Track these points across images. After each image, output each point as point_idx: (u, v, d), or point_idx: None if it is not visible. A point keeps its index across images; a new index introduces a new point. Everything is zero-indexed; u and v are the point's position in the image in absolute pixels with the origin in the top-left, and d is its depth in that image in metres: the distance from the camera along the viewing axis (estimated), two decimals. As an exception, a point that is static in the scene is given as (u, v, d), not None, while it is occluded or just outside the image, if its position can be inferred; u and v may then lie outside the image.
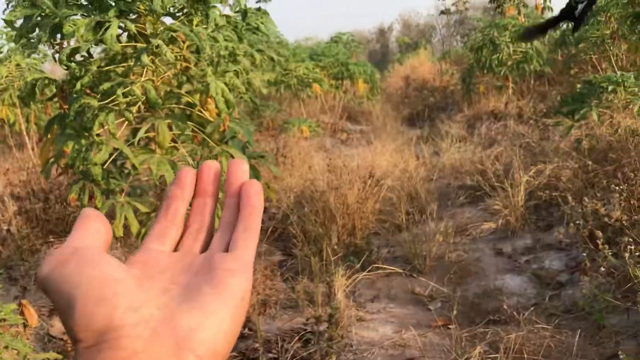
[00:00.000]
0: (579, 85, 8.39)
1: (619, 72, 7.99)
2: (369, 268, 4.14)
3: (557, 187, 5.17)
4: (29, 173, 8.19)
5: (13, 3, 2.86)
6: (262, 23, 2.85)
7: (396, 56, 36.66)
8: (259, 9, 2.87)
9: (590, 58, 9.77)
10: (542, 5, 13.38)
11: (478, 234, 5.29)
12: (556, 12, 9.79)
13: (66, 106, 2.78)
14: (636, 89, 5.62)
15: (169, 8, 2.43)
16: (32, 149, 8.19)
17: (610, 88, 5.68)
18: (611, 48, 9.23)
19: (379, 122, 13.86)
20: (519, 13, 13.64)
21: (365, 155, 8.35)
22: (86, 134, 2.54)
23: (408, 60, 25.21)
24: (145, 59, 2.31)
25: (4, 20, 2.69)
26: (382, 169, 7.50)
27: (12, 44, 7.03)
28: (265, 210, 6.40)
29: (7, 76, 6.82)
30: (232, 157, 2.69)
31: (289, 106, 14.95)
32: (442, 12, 25.33)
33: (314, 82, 10.57)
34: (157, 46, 2.27)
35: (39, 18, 2.61)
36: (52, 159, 2.76)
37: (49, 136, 3.15)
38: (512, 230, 5.11)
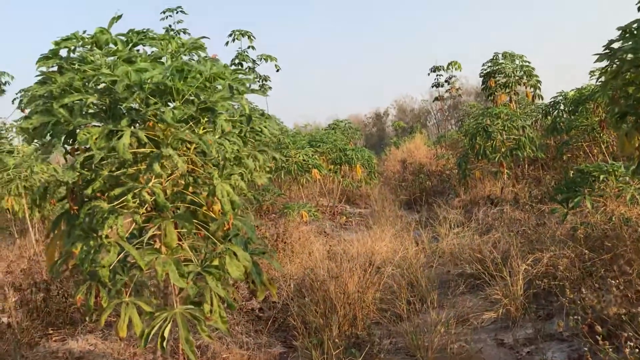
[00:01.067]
0: (571, 172, 8.60)
1: (610, 160, 8.21)
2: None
3: (555, 276, 5.21)
4: (29, 262, 8.21)
5: (28, 110, 3.02)
6: (265, 127, 3.00)
7: (392, 139, 37.43)
8: (262, 114, 3.04)
9: (582, 145, 10.06)
10: (533, 94, 13.90)
11: (479, 323, 5.27)
12: (546, 100, 10.01)
13: (75, 207, 2.88)
14: (627, 178, 5.77)
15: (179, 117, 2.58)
16: (34, 236, 8.24)
17: (601, 177, 5.83)
18: (601, 135, 9.53)
19: (377, 206, 13.96)
20: (510, 100, 14.13)
21: (365, 240, 8.37)
22: (94, 235, 2.62)
23: (404, 144, 25.75)
24: (157, 167, 2.43)
25: (21, 127, 2.84)
26: (382, 255, 7.54)
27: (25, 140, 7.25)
28: (265, 299, 6.38)
29: (14, 167, 6.98)
30: (235, 254, 2.76)
31: (288, 189, 15.16)
32: (436, 99, 26.11)
33: (313, 168, 10.78)
34: (169, 155, 2.41)
35: (52, 125, 2.77)
36: (60, 259, 2.82)
37: (55, 232, 3.24)
38: (512, 320, 5.09)
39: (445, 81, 25.42)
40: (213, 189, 2.59)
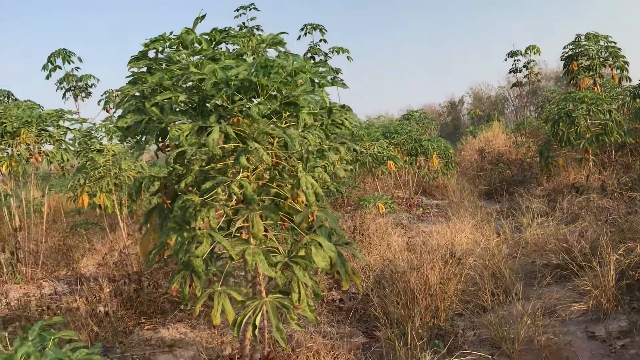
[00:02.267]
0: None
1: None
2: (457, 354, 4.04)
3: (650, 267, 4.96)
4: (121, 255, 8.66)
5: (120, 110, 3.18)
6: (346, 119, 3.03)
7: (468, 128, 36.58)
8: (343, 106, 3.06)
9: (676, 128, 9.47)
10: (619, 76, 13.19)
11: (567, 315, 5.09)
12: (634, 81, 9.55)
13: (168, 201, 3.01)
14: None
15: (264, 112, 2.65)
16: (124, 231, 8.67)
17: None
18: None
19: (455, 197, 13.72)
20: (595, 84, 13.48)
21: (444, 232, 8.26)
22: (187, 227, 2.74)
23: (481, 132, 25.08)
24: (244, 160, 2.51)
25: (116, 127, 3.00)
26: (463, 247, 7.42)
27: (111, 139, 7.63)
28: (345, 290, 6.44)
29: (104, 165, 7.35)
30: (321, 245, 2.81)
31: (362, 182, 15.16)
32: (514, 85, 25.33)
33: (388, 160, 10.73)
34: (255, 149, 2.48)
35: (145, 123, 2.91)
36: (154, 250, 2.97)
37: (148, 226, 3.40)
38: (604, 312, 4.89)
39: (524, 66, 24.63)
40: (297, 182, 2.64)
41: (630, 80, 13.38)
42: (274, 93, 2.76)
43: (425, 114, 18.54)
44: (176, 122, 2.73)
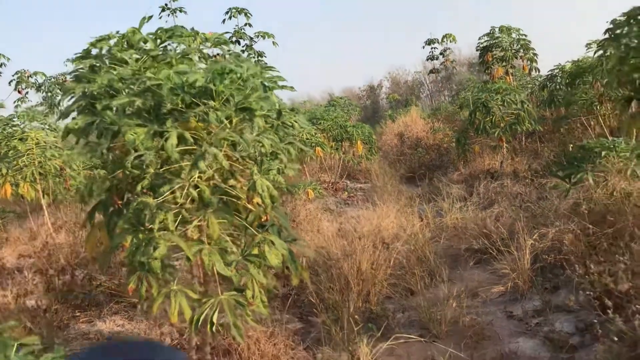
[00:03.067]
0: (571, 147, 8.81)
1: (607, 134, 8.41)
2: (392, 338, 4.32)
3: (560, 250, 5.45)
4: (46, 245, 8.38)
5: (69, 106, 3.17)
6: (295, 121, 3.17)
7: (387, 112, 37.49)
8: (292, 109, 3.20)
9: (579, 118, 10.26)
10: (529, 67, 14.04)
11: (488, 297, 5.52)
12: (543, 72, 10.18)
13: (120, 202, 3.06)
14: (627, 154, 5.98)
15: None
16: (48, 220, 8.40)
17: (603, 153, 6.04)
18: (599, 109, 9.72)
19: (378, 181, 14.19)
20: (507, 73, 14.28)
21: (371, 217, 8.57)
22: (142, 228, 2.81)
23: (400, 117, 25.82)
24: (203, 165, 2.60)
25: (68, 127, 3.00)
26: (389, 232, 7.75)
27: (33, 124, 7.37)
28: (279, 277, 6.62)
29: (27, 154, 7.11)
30: (273, 243, 2.96)
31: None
32: (431, 72, 26.24)
33: (316, 146, 10.94)
34: (214, 154, 2.58)
35: (97, 124, 2.93)
36: (107, 251, 3.01)
37: (93, 223, 3.42)
38: (520, 293, 5.34)
39: (440, 54, 25.53)
40: (253, 184, 2.77)
41: (539, 71, 14.28)
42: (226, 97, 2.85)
43: (350, 101, 18.89)
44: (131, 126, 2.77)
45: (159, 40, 3.44)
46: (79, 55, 3.39)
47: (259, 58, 18.88)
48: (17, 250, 9.83)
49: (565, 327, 4.51)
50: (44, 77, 21.32)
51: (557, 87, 11.40)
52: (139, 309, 5.59)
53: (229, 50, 3.79)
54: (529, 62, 13.82)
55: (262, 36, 16.18)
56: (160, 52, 3.38)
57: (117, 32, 3.42)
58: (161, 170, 2.75)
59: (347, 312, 5.23)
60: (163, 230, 2.66)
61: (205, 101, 2.75)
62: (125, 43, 3.44)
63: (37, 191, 7.20)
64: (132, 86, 2.84)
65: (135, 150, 2.72)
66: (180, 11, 16.10)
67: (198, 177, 2.83)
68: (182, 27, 3.66)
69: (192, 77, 2.68)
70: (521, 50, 13.73)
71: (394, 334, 4.91)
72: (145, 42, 3.43)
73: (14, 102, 20.89)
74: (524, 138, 12.56)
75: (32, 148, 7.21)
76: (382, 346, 4.23)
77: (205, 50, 3.76)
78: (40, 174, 7.10)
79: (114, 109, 2.89)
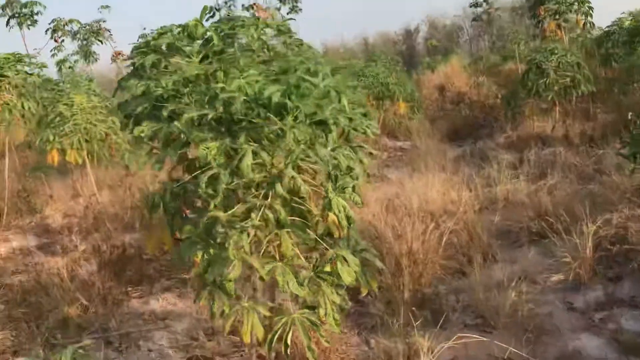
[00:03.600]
0: (630, 114, 8.37)
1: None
2: (454, 338, 4.21)
3: (625, 239, 5.22)
4: (90, 208, 8.46)
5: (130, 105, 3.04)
6: (367, 127, 2.99)
7: (425, 59, 36.56)
8: (365, 114, 3.00)
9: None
10: (584, 21, 13.33)
11: (546, 283, 5.36)
12: (598, 26, 9.70)
13: (187, 210, 2.96)
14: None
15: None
16: (93, 181, 8.44)
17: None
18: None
19: (419, 140, 13.89)
20: (559, 28, 13.60)
21: (416, 185, 8.37)
22: (212, 242, 2.71)
23: (440, 66, 25.07)
24: (280, 188, 2.46)
25: (134, 136, 2.87)
26: (437, 204, 7.57)
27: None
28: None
29: (74, 121, 7.06)
30: (346, 259, 2.83)
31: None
32: (474, 20, 25.28)
33: (358, 108, 10.67)
34: (293, 177, 2.43)
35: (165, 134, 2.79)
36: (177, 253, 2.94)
37: (154, 223, 3.33)
38: (581, 282, 5.15)
39: (484, 0, 24.51)
40: (329, 203, 2.62)
41: (593, 26, 13.56)
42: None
43: (393, 57, 18.34)
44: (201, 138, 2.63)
45: (222, 33, 3.25)
46: (139, 49, 3.24)
47: (295, 4, 18.46)
48: (62, 209, 10.00)
49: (633, 326, 4.35)
50: (78, 25, 21.23)
51: (614, 45, 10.82)
52: (190, 286, 5.60)
53: (290, 37, 3.58)
54: (583, 16, 13.10)
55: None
56: (224, 46, 3.20)
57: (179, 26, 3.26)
58: (232, 185, 2.62)
59: (400, 297, 5.15)
60: (236, 248, 2.55)
61: (279, 116, 2.57)
62: (187, 36, 3.27)
63: (82, 158, 7.18)
64: (206, 99, 2.69)
65: (206, 164, 2.59)
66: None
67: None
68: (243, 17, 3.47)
69: (267, 92, 2.50)
70: (575, 4, 12.99)
71: (450, 323, 4.82)
72: (207, 34, 3.25)
73: (50, 50, 20.94)
74: (574, 99, 12.06)
75: (77, 114, 7.15)
76: (443, 346, 4.12)
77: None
78: (85, 140, 7.06)
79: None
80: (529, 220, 6.56)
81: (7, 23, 18.26)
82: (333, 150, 2.65)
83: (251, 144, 2.56)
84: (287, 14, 16.13)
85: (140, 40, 3.37)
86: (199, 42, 3.25)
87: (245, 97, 2.55)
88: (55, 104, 7.12)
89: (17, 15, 18.11)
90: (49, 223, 9.42)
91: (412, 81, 29.17)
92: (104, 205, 8.75)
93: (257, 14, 15.61)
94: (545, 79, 9.57)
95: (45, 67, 8.78)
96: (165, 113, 2.80)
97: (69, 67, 20.60)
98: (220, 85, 2.58)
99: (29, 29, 18.55)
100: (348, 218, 2.63)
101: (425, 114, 16.45)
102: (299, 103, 2.49)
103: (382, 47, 53.85)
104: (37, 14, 18.67)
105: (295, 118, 2.55)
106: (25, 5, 17.99)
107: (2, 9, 18.00)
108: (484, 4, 24.50)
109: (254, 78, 2.65)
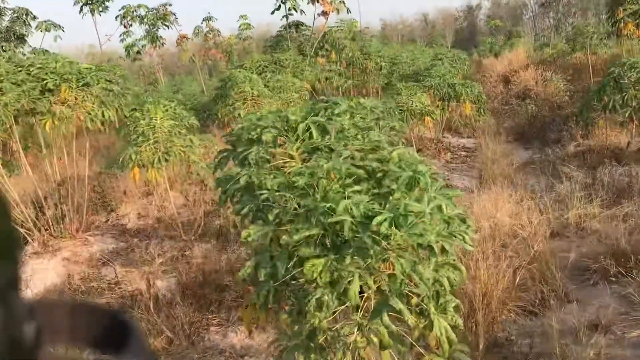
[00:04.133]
0: None
1: None
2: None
3: None
4: (168, 224, 8.80)
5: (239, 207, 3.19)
6: (466, 232, 3.05)
7: (487, 39, 35.59)
8: (463, 220, 3.06)
9: None
10: (665, 21, 12.70)
11: (625, 334, 5.31)
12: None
13: (285, 306, 3.11)
14: None
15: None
16: (169, 190, 8.79)
17: None
18: None
19: (482, 138, 13.70)
20: (638, 27, 13.01)
21: (484, 201, 8.33)
22: (312, 345, 2.85)
23: (504, 52, 24.41)
24: (386, 319, 2.58)
25: (243, 238, 3.03)
26: (507, 229, 7.54)
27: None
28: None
29: (154, 140, 7.34)
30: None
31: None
32: (542, 5, 24.37)
33: (425, 115, 10.62)
34: (400, 309, 2.54)
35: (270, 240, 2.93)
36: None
37: (248, 305, 3.50)
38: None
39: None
40: (430, 324, 2.72)
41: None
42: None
43: (459, 55, 17.95)
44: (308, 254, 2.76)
45: (317, 124, 3.36)
46: (239, 136, 3.39)
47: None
48: (136, 208, 10.45)
49: None
50: (146, 10, 21.68)
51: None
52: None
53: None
54: (664, 16, 12.49)
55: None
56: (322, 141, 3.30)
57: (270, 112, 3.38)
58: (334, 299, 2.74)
59: (474, 343, 5.23)
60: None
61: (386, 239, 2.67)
62: (279, 123, 3.39)
63: (162, 177, 7.49)
64: (310, 218, 2.80)
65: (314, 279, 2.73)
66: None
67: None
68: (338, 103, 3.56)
69: (375, 220, 2.59)
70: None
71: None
72: (302, 125, 3.36)
73: (120, 35, 21.53)
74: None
75: (159, 133, 7.42)
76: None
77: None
78: (166, 160, 7.35)
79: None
80: (603, 255, 6.46)
81: (80, 10, 18.83)
82: (436, 270, 2.73)
83: (357, 266, 2.67)
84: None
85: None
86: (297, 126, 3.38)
87: (351, 220, 2.65)
88: (137, 123, 7.40)
89: (89, 2, 18.63)
90: (125, 223, 9.88)
91: (473, 63, 28.52)
92: (177, 210, 9.13)
93: (322, 8, 15.57)
94: (623, 94, 9.25)
95: (123, 75, 9.12)
96: (271, 217, 2.94)
97: (137, 52, 21.16)
98: (328, 205, 2.69)
99: (100, 15, 19.07)
100: (450, 341, 2.72)
101: (489, 110, 16.15)
102: (406, 235, 2.58)
103: (441, 24, 52.79)
104: (108, 0, 19.15)
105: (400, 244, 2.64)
106: (97, -7, 18.52)
107: (76, -3, 18.58)
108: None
109: (359, 198, 2.74)
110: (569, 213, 7.92)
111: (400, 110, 10.43)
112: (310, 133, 3.33)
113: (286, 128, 3.40)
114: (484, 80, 20.43)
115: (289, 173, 3.18)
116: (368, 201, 2.77)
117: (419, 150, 13.04)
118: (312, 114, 3.44)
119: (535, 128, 13.76)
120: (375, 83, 17.18)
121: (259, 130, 3.32)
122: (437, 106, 12.50)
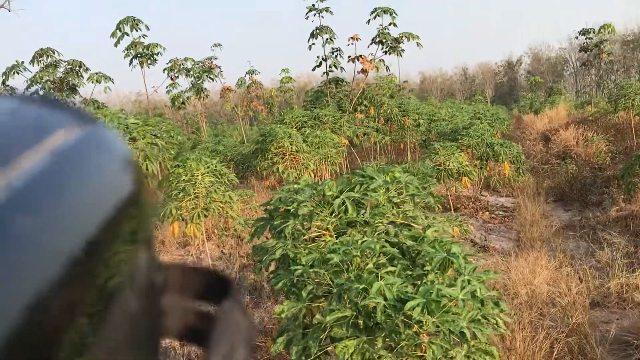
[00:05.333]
0: None
1: None
2: None
3: None
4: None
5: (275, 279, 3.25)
6: (498, 317, 3.04)
7: (527, 95, 35.56)
8: (498, 305, 3.06)
9: None
10: None
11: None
12: None
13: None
14: None
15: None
16: (206, 241, 8.94)
17: None
18: None
19: (521, 197, 13.55)
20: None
21: (522, 269, 8.19)
22: None
23: (545, 110, 24.29)
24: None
25: (277, 314, 3.08)
26: (543, 295, 7.39)
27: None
28: None
29: (195, 196, 7.53)
30: None
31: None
32: (584, 65, 24.30)
33: (463, 175, 10.62)
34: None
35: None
36: None
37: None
38: None
39: (595, 46, 23.53)
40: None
41: None
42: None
43: (497, 114, 18.00)
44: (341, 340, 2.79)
45: (352, 199, 3.43)
46: (276, 210, 3.48)
47: (397, 44, 18.45)
48: (172, 259, 10.64)
49: None
50: (192, 63, 22.50)
51: None
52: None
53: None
54: None
55: (406, 37, 15.81)
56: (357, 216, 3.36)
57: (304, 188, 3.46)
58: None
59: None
60: None
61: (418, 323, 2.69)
62: (310, 196, 3.47)
63: (201, 232, 7.64)
64: (344, 296, 2.85)
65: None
66: (327, 11, 16.13)
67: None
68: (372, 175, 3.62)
69: (408, 305, 2.62)
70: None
71: None
72: (332, 197, 3.43)
73: (166, 87, 22.32)
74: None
75: (199, 189, 7.62)
76: None
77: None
78: (205, 215, 7.51)
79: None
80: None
81: (130, 62, 19.65)
82: (467, 357, 2.73)
83: (388, 349, 2.69)
84: (386, 53, 16.11)
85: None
86: (333, 200, 3.46)
87: (384, 303, 2.69)
88: (179, 180, 7.62)
89: (139, 55, 19.45)
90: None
91: (513, 118, 28.39)
92: (213, 263, 9.25)
93: (362, 66, 15.91)
94: (666, 160, 9.10)
95: (170, 129, 9.42)
96: (304, 294, 2.99)
97: (182, 102, 21.88)
98: (362, 286, 2.73)
99: (149, 67, 19.84)
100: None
101: (529, 169, 16.01)
102: (439, 322, 2.59)
103: (481, 78, 53.04)
104: (157, 54, 19.95)
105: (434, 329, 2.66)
106: (147, 47, 19.30)
107: (127, 50, 19.40)
108: (592, 34, 23.50)
109: (392, 280, 2.78)
110: (610, 282, 7.72)
111: (437, 169, 10.46)
112: (346, 207, 3.40)
113: (322, 202, 3.48)
114: (524, 138, 20.33)
115: (323, 248, 3.25)
116: (401, 283, 2.81)
117: (456, 209, 12.98)
118: (347, 189, 3.52)
119: (576, 189, 13.55)
120: (413, 139, 17.30)
121: (296, 204, 3.41)
122: (475, 165, 12.47)
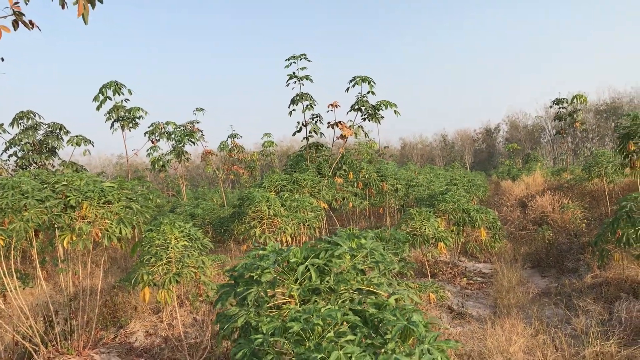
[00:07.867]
0: None
1: None
2: None
3: None
4: (175, 346, 8.72)
5: None
6: None
7: (505, 162, 36.22)
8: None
9: None
10: (677, 155, 12.89)
11: None
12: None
13: None
14: None
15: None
16: (177, 310, 8.76)
17: None
18: None
19: (499, 264, 13.59)
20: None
21: (498, 337, 8.12)
22: None
23: (522, 177, 24.69)
24: None
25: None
26: (519, 364, 7.30)
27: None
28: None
29: (167, 261, 7.44)
30: None
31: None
32: (558, 133, 24.97)
33: (438, 241, 10.65)
34: None
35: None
36: None
37: None
38: None
39: (569, 115, 24.27)
40: None
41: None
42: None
43: (474, 180, 18.31)
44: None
45: (316, 266, 3.42)
46: (240, 277, 3.46)
47: (377, 112, 18.80)
48: (144, 325, 10.37)
49: None
50: (174, 127, 22.72)
51: None
52: None
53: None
54: (676, 151, 12.71)
55: (384, 105, 16.19)
56: (321, 284, 3.35)
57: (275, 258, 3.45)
58: None
59: None
60: None
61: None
62: (275, 262, 3.46)
63: (172, 298, 7.50)
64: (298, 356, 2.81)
65: None
66: (307, 79, 16.54)
67: None
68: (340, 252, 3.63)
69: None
70: (668, 138, 12.65)
71: None
72: (301, 265, 3.43)
73: (147, 150, 22.42)
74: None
75: (172, 254, 7.54)
76: None
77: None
78: (177, 281, 7.40)
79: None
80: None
81: (112, 126, 19.78)
82: None
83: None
84: (365, 120, 16.44)
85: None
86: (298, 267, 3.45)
87: (343, 374, 2.65)
88: (151, 245, 7.55)
89: (121, 119, 19.61)
90: (132, 342, 9.77)
91: (492, 184, 28.76)
92: (185, 329, 9.04)
93: (342, 132, 16.19)
94: (637, 229, 9.24)
95: (151, 200, 9.37)
96: (264, 364, 2.94)
97: (162, 165, 21.92)
98: (321, 355, 2.70)
99: (129, 130, 19.97)
100: None
101: (506, 235, 16.12)
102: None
103: (460, 144, 54.15)
104: (139, 118, 20.13)
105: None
106: (129, 111, 19.49)
107: (109, 113, 19.56)
108: (566, 103, 24.21)
109: (351, 349, 2.75)
110: (585, 350, 7.67)
111: (413, 235, 10.50)
112: (310, 274, 3.40)
113: (286, 269, 3.48)
114: (502, 204, 20.57)
115: (285, 316, 3.23)
116: (361, 352, 2.78)
117: (434, 275, 12.96)
118: (312, 255, 3.52)
119: (552, 256, 13.64)
120: (392, 203, 17.42)
121: (259, 270, 3.40)
122: (452, 231, 12.54)
